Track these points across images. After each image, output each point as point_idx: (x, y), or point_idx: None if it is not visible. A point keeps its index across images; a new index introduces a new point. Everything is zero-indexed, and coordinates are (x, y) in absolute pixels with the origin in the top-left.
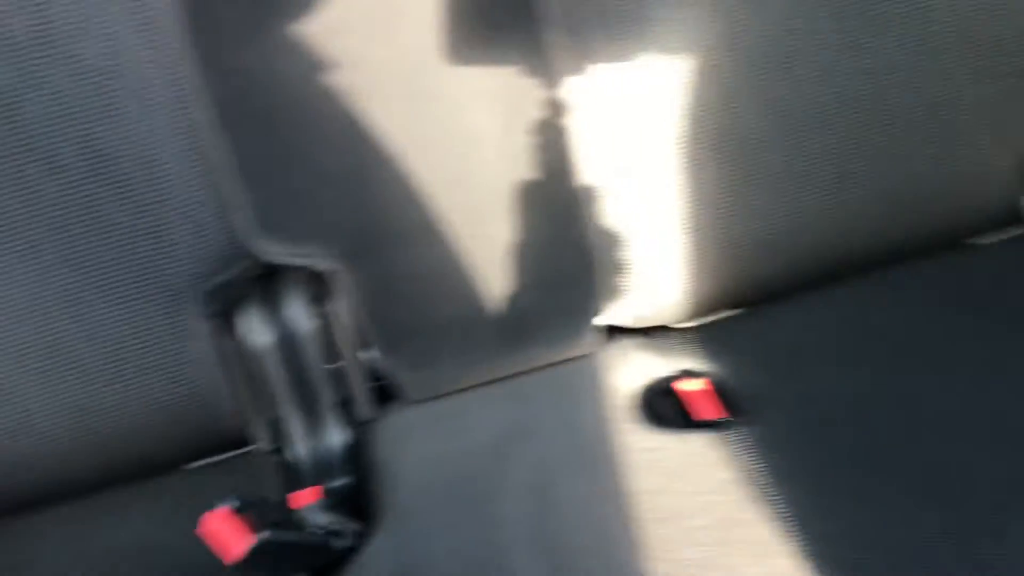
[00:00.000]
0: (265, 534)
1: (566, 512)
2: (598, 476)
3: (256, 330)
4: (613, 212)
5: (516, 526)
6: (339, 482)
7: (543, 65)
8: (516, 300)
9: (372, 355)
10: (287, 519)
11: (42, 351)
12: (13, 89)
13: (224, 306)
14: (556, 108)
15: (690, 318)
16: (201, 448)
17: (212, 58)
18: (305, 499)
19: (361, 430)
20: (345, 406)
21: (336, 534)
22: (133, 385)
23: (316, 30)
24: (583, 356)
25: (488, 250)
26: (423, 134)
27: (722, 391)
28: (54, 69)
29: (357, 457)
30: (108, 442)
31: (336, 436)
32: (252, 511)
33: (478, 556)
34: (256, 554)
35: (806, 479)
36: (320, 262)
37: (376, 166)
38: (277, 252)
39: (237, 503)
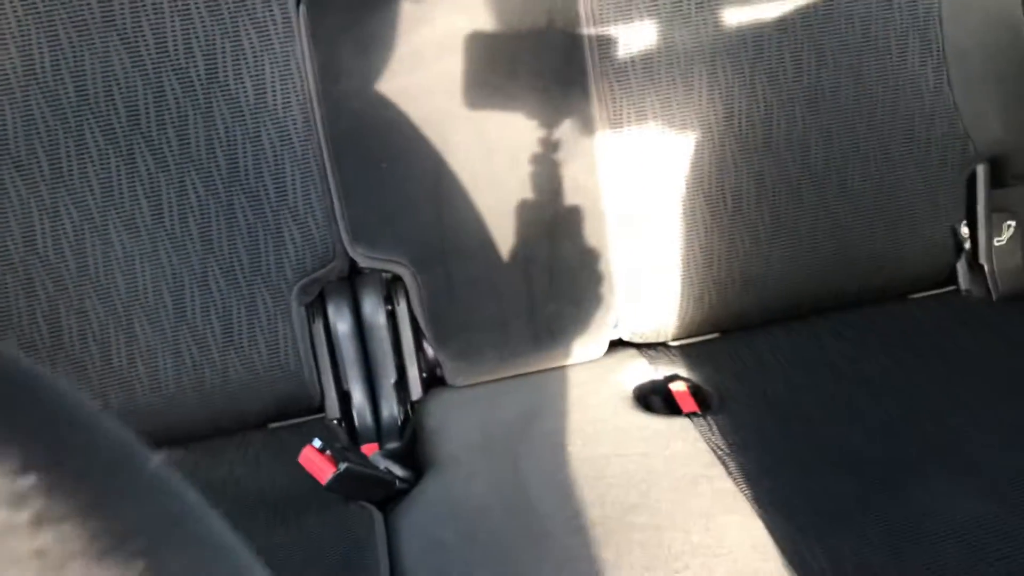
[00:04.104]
0: (346, 464)
1: (573, 466)
2: (598, 442)
3: (339, 318)
4: (628, 249)
5: (536, 474)
6: (392, 445)
7: (587, 128)
8: (546, 310)
9: (426, 347)
10: (360, 460)
11: (175, 317)
12: (186, 116)
13: (316, 297)
14: (592, 162)
15: (679, 337)
16: (284, 411)
17: (332, 104)
18: (368, 451)
19: (412, 406)
20: (401, 386)
21: (396, 476)
22: (240, 351)
23: (411, 89)
24: (594, 360)
25: (529, 268)
26: (485, 174)
27: (700, 392)
28: (218, 103)
29: (408, 427)
30: (213, 397)
31: (392, 409)
32: (332, 450)
33: (508, 494)
34: (339, 480)
35: (758, 455)
36: (395, 267)
37: (448, 195)
38: (363, 257)
39: (320, 443)
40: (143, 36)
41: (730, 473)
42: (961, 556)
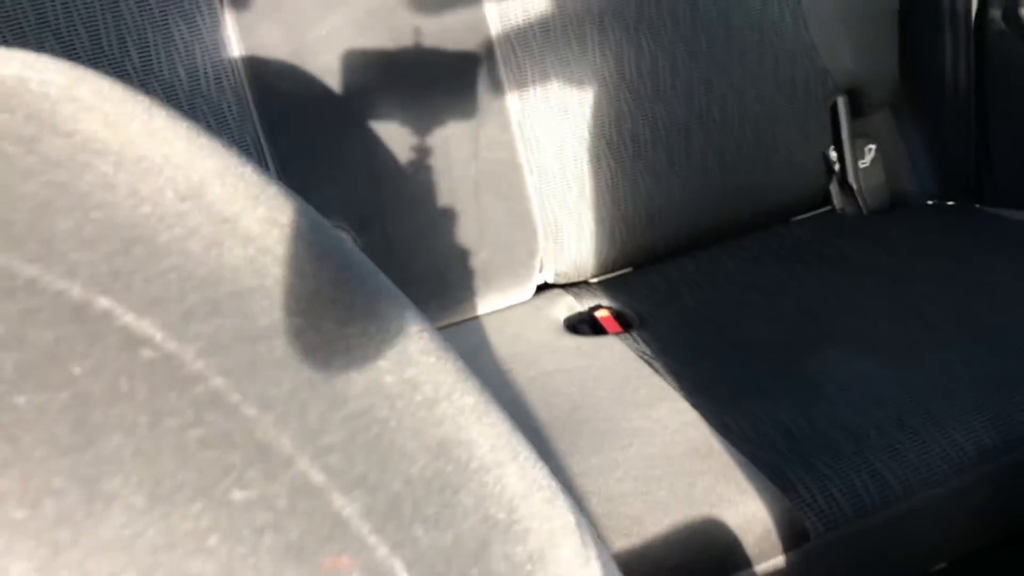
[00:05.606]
0: None
1: (520, 384)
2: (539, 363)
3: None
4: (546, 197)
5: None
6: None
7: (497, 89)
8: (478, 260)
9: None
10: None
11: None
12: None
13: None
14: (506, 120)
15: (598, 274)
16: None
17: (263, 85)
18: None
19: None
20: None
21: None
22: None
23: (333, 65)
24: (525, 302)
25: (459, 221)
26: (411, 138)
27: (622, 317)
28: (155, 92)
29: None
30: None
31: None
32: None
33: None
34: None
35: (679, 354)
36: (337, 229)
37: (380, 161)
38: None
39: None
40: (77, 34)
41: (657, 371)
42: (854, 403)
